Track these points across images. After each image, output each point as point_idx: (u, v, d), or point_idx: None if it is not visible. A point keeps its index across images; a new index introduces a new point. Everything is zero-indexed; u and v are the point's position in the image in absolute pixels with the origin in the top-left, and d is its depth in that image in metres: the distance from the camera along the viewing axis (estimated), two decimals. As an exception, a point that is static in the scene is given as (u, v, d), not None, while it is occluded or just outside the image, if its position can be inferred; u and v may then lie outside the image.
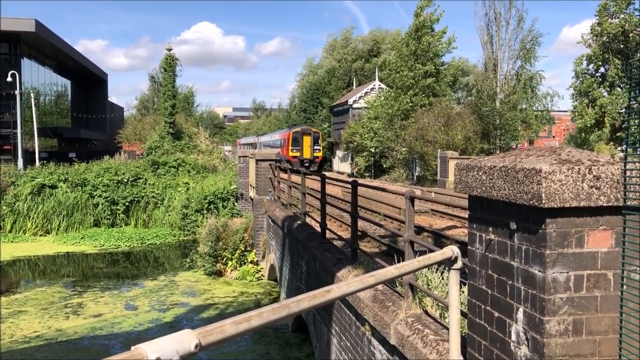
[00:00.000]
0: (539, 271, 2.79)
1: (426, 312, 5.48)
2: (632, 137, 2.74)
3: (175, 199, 31.39)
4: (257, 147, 55.34)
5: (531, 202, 2.74)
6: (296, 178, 14.62)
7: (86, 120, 64.60)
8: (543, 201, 2.67)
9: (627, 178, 2.67)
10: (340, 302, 7.74)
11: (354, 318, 7.09)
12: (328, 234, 10.45)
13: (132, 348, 1.44)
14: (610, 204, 2.73)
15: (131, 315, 15.74)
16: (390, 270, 2.81)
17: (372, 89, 50.43)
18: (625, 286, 2.70)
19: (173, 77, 44.28)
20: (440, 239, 10.38)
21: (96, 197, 30.98)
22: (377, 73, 52.43)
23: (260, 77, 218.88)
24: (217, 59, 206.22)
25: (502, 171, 3.01)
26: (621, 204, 2.71)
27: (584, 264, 2.77)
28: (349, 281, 2.45)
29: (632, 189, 2.66)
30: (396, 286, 6.46)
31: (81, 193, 30.87)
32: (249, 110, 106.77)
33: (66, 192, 30.57)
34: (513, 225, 2.99)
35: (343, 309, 7.63)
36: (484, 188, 3.19)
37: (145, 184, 33.29)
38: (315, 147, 45.87)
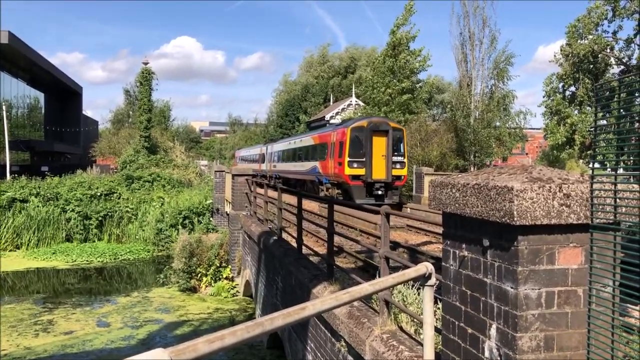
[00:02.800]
0: (511, 288, 2.83)
1: (401, 329, 5.49)
2: (599, 157, 2.80)
3: (149, 213, 31.02)
4: (270, 159, 38.11)
5: (503, 219, 2.78)
6: (272, 193, 14.58)
7: (60, 134, 63.63)
8: (515, 219, 2.71)
9: (593, 197, 2.73)
10: (316, 319, 7.71)
11: (329, 335, 7.06)
12: (304, 250, 10.41)
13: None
14: (580, 222, 2.79)
15: (103, 332, 15.43)
16: (365, 287, 2.82)
17: (348, 105, 50.77)
18: (592, 303, 2.75)
19: (149, 91, 44.07)
20: (415, 255, 10.44)
21: (69, 211, 30.44)
22: (353, 89, 52.80)
23: (240, 92, 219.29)
24: (196, 73, 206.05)
25: (475, 189, 3.05)
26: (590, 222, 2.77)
27: (555, 280, 2.82)
28: (323, 298, 2.45)
29: (598, 208, 2.72)
30: (372, 302, 6.46)
31: (53, 207, 30.31)
32: (226, 125, 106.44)
33: (38, 206, 30.00)
34: (486, 242, 3.03)
35: (319, 325, 7.59)
36: (457, 205, 3.23)
37: (119, 198, 32.86)
38: (397, 159, 22.51)
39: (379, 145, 22.14)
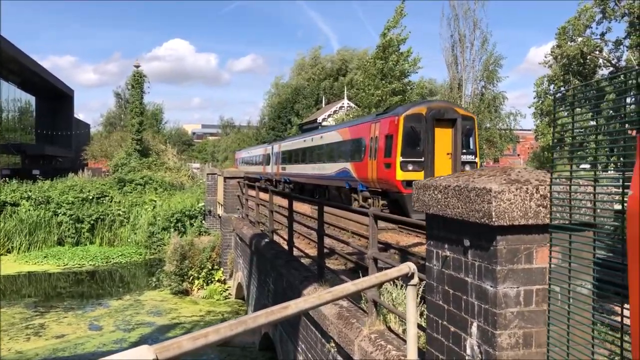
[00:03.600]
0: (491, 286, 2.91)
1: (389, 329, 5.57)
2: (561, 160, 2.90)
3: (141, 216, 30.97)
4: (277, 161, 33.22)
5: (482, 220, 2.87)
6: (264, 196, 14.64)
7: (51, 137, 63.35)
8: (493, 219, 2.79)
9: (552, 199, 2.82)
10: (307, 320, 7.78)
11: (319, 335, 7.13)
12: (295, 252, 10.48)
13: (90, 364, 1.49)
14: (556, 222, 2.87)
15: (95, 336, 15.42)
16: (348, 287, 2.90)
17: (340, 107, 50.90)
18: (551, 300, 2.85)
19: (141, 94, 44.01)
20: (406, 256, 10.52)
21: (60, 215, 30.34)
22: (345, 91, 52.95)
23: (233, 94, 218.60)
24: (189, 75, 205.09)
25: (456, 190, 3.13)
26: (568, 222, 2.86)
27: (533, 279, 2.90)
28: (306, 297, 2.53)
29: (557, 209, 2.81)
30: (361, 303, 6.54)
31: (44, 211, 30.19)
32: (218, 127, 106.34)
33: (29, 210, 29.89)
34: (467, 242, 3.12)
35: (309, 326, 7.66)
36: (439, 206, 3.32)
37: (111, 201, 32.78)
38: (467, 159, 17.04)
39: (444, 139, 16.53)
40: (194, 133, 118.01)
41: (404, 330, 5.48)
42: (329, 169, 22.09)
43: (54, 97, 68.38)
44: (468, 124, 16.97)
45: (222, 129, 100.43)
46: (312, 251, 10.83)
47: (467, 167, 15.91)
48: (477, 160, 17.09)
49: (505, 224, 2.80)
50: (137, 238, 29.75)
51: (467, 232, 3.11)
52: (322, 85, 65.57)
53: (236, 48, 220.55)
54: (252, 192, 16.47)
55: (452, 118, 16.65)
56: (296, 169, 28.03)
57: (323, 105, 60.64)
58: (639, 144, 2.10)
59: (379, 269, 5.79)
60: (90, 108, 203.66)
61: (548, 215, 2.85)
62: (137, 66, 44.50)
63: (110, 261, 26.93)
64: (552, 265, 2.74)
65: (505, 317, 2.88)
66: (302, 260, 10.22)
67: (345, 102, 50.90)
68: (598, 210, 2.65)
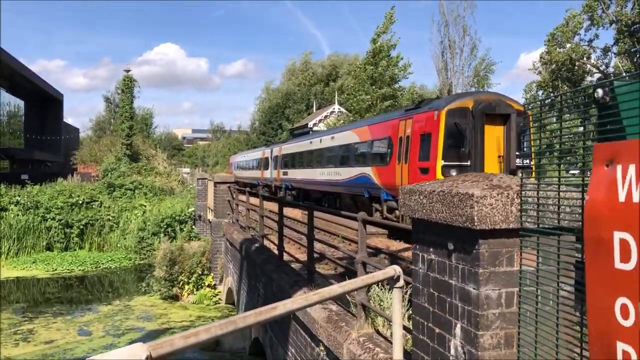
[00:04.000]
0: (474, 289, 3.00)
1: (378, 332, 5.65)
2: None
3: (131, 222, 30.90)
4: (277, 165, 30.54)
5: (465, 224, 2.96)
6: (255, 200, 14.69)
7: (40, 142, 62.98)
8: (476, 223, 2.89)
9: (522, 204, 2.93)
10: (297, 324, 7.84)
11: (309, 339, 7.20)
12: (286, 257, 10.55)
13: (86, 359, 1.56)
14: (536, 226, 2.97)
15: (85, 341, 15.38)
16: (334, 289, 2.98)
17: (331, 112, 51.06)
18: (521, 302, 2.97)
19: (131, 99, 43.98)
20: (396, 261, 10.62)
21: (49, 220, 30.19)
22: (336, 97, 53.15)
23: (224, 99, 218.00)
24: (179, 80, 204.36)
25: (440, 195, 3.23)
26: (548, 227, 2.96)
27: (514, 281, 3.00)
28: (294, 299, 2.61)
29: (527, 213, 2.93)
30: (350, 307, 6.62)
31: (33, 216, 30.04)
32: (208, 132, 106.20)
33: (17, 215, 29.71)
34: (451, 246, 3.21)
35: (299, 330, 7.72)
36: (425, 211, 3.41)
37: (100, 206, 32.67)
38: (522, 161, 13.37)
39: (494, 139, 13.73)
40: (184, 138, 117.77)
41: (392, 334, 5.57)
42: (343, 174, 19.42)
43: (43, 101, 68.01)
44: (523, 120, 13.44)
45: (212, 133, 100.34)
46: (303, 256, 10.89)
47: (520, 173, 13.01)
48: (533, 164, 12.58)
49: (487, 228, 2.90)
50: (127, 243, 29.68)
51: (451, 235, 3.20)
52: (312, 90, 65.79)
53: (227, 53, 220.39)
54: (243, 197, 16.52)
55: (505, 113, 13.59)
56: (300, 174, 25.46)
57: (314, 110, 60.81)
58: (595, 153, 2.25)
59: (368, 273, 5.87)
60: (80, 112, 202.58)
61: (528, 220, 2.94)
62: (128, 71, 44.53)
63: (100, 266, 26.84)
64: (542, 268, 2.82)
65: (487, 318, 2.97)
66: (293, 265, 10.28)
67: (336, 107, 51.07)
68: (562, 215, 2.75)
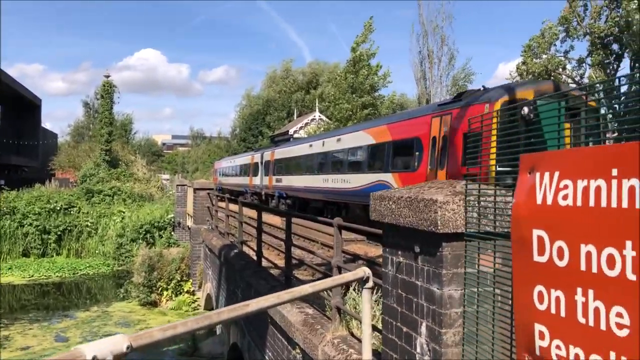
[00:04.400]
0: (438, 289, 3.19)
1: (352, 334, 5.82)
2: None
3: (110, 228, 30.72)
4: (268, 171, 27.84)
5: (430, 228, 3.15)
6: (234, 207, 14.79)
7: (17, 147, 62.19)
8: (439, 227, 3.08)
9: (466, 209, 3.13)
10: (274, 329, 7.98)
11: (286, 343, 7.34)
12: (265, 263, 10.67)
13: (72, 348, 1.69)
14: (496, 230, 3.17)
15: (61, 347, 15.28)
16: (305, 288, 3.14)
17: (312, 119, 51.29)
18: (466, 302, 3.21)
19: (110, 104, 43.71)
20: (374, 266, 10.79)
21: (26, 225, 29.86)
22: (316, 104, 53.43)
23: (205, 105, 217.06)
24: (160, 85, 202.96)
25: (407, 201, 3.42)
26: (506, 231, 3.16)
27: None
28: (267, 297, 2.76)
29: (469, 220, 3.14)
30: (326, 311, 6.78)
31: (10, 222, 29.68)
32: (188, 138, 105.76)
33: (-7, 220, 29.36)
34: (417, 249, 3.40)
35: (276, 334, 7.86)
36: (393, 216, 3.60)
37: (78, 212, 32.40)
38: None
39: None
40: (163, 144, 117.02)
41: (362, 333, 5.74)
42: (353, 181, 17.09)
43: (20, 105, 67.20)
44: (592, 116, 9.24)
45: (192, 139, 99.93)
46: (282, 262, 11.02)
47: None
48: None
49: (449, 231, 3.09)
50: (105, 249, 29.50)
51: (417, 239, 3.39)
52: (293, 97, 65.99)
53: (209, 59, 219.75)
54: (222, 204, 16.60)
55: (574, 107, 10.15)
56: (297, 181, 22.80)
57: (295, 118, 61.00)
58: (521, 163, 2.58)
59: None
60: (58, 117, 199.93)
61: (488, 224, 3.14)
62: (107, 76, 44.26)
63: (78, 273, 26.64)
64: (502, 269, 3.01)
65: (450, 317, 3.16)
66: (271, 271, 10.41)
67: (317, 114, 51.32)
68: (504, 218, 2.97)
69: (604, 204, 2.05)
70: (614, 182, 2.02)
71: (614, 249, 2.00)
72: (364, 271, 3.60)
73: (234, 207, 15.08)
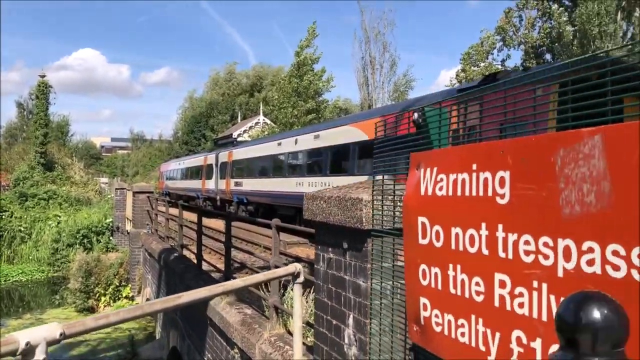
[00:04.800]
0: (363, 282, 3.40)
1: (289, 332, 5.98)
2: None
3: (44, 232, 29.70)
4: (226, 174, 25.10)
5: (356, 225, 3.36)
6: (174, 210, 14.68)
7: (-57, 148, 59.08)
8: (364, 224, 3.29)
9: (373, 209, 3.37)
10: (213, 330, 8.03)
11: (225, 343, 7.42)
12: (205, 266, 10.69)
13: (7, 336, 1.78)
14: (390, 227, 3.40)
15: (-9, 357, 14.71)
16: (237, 282, 3.28)
17: (256, 123, 51.21)
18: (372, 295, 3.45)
19: (46, 105, 42.24)
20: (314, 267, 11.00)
21: (-47, 231, 28.51)
22: (261, 108, 53.37)
23: (146, 107, 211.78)
24: (99, 86, 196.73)
25: (336, 200, 3.62)
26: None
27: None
28: (198, 289, 2.88)
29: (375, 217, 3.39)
30: (265, 311, 6.91)
31: None
32: (128, 141, 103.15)
33: None
34: (345, 245, 3.60)
35: (215, 336, 7.92)
36: (324, 214, 3.79)
37: (11, 217, 31.14)
38: None
39: None
40: (102, 146, 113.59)
41: (293, 325, 5.92)
42: (338, 184, 10.62)
43: (-52, 105, 63.89)
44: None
45: (132, 142, 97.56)
46: (222, 265, 11.06)
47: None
48: None
49: (372, 227, 3.30)
50: (40, 255, 28.49)
51: (345, 235, 3.59)
52: (237, 100, 65.62)
53: (150, 60, 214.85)
54: (162, 208, 16.43)
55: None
56: (262, 185, 20.22)
57: (239, 121, 60.68)
58: (411, 160, 3.00)
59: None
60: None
61: (397, 221, 3.37)
62: (43, 76, 42.75)
63: (10, 279, 25.64)
64: (385, 264, 3.26)
65: (374, 307, 3.37)
66: (213, 274, 10.43)
67: (261, 118, 51.29)
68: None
69: (467, 193, 2.46)
70: (474, 175, 2.42)
71: (474, 229, 2.41)
72: (295, 267, 3.77)
73: (174, 210, 14.96)
